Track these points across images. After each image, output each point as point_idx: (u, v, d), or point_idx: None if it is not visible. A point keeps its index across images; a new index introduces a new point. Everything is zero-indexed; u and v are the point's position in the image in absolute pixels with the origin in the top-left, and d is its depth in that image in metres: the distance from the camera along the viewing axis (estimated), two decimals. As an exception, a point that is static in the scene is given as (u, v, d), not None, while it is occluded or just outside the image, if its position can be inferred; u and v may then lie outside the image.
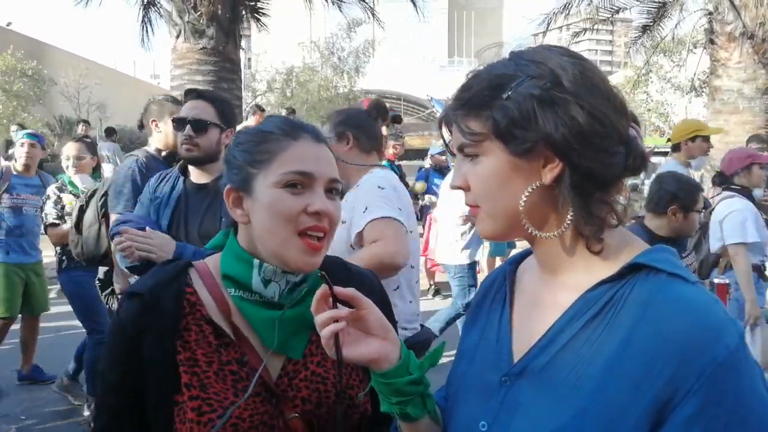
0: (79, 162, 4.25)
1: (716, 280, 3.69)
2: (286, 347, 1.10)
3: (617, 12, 12.26)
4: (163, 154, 3.21)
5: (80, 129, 11.61)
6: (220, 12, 8.86)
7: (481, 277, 5.21)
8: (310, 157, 1.08)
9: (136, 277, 2.27)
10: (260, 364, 1.06)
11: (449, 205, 5.02)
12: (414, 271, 2.39)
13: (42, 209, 4.26)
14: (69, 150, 4.29)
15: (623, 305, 0.79)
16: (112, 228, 2.40)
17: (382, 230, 2.09)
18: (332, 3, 11.66)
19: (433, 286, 7.52)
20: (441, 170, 7.86)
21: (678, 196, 2.93)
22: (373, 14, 11.96)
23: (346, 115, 2.43)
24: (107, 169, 7.90)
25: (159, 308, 1.06)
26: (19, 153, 4.66)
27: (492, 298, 1.02)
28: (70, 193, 4.14)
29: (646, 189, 3.37)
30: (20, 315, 4.72)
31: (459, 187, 0.90)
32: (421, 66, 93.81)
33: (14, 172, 4.65)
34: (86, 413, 4.10)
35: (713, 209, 4.09)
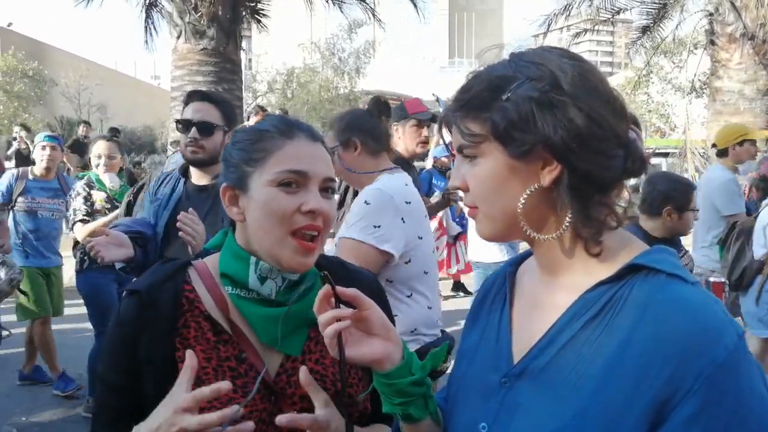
0: (110, 161, 4.15)
1: (712, 279, 3.64)
2: (285, 345, 1.10)
3: (618, 13, 12.27)
4: None
5: (81, 130, 11.51)
6: (220, 13, 8.88)
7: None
8: (305, 156, 1.08)
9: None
10: (258, 361, 1.07)
11: None
12: (428, 277, 2.32)
13: (67, 207, 4.11)
14: (101, 149, 4.16)
15: (622, 306, 0.79)
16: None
17: (343, 251, 2.07)
18: (333, 4, 11.67)
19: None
20: (443, 172, 7.81)
21: (672, 196, 2.89)
22: (373, 15, 11.95)
23: (349, 120, 2.37)
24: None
25: (156, 306, 1.07)
26: (40, 156, 4.60)
27: (492, 299, 1.02)
28: (100, 190, 4.04)
29: (646, 189, 3.33)
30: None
31: (458, 188, 0.91)
32: (421, 67, 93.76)
33: (30, 177, 4.60)
34: (86, 414, 4.10)
35: (758, 215, 3.95)
